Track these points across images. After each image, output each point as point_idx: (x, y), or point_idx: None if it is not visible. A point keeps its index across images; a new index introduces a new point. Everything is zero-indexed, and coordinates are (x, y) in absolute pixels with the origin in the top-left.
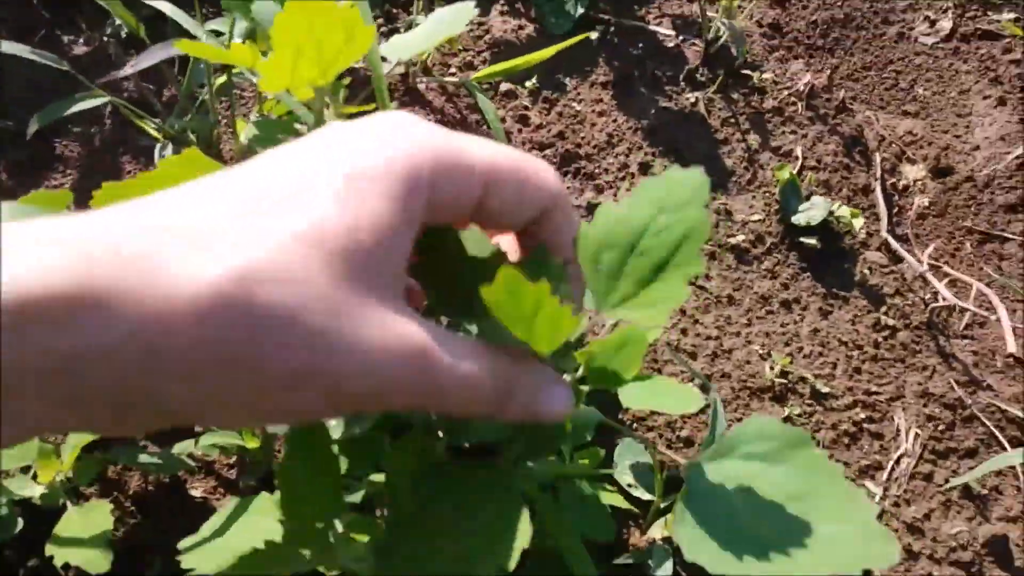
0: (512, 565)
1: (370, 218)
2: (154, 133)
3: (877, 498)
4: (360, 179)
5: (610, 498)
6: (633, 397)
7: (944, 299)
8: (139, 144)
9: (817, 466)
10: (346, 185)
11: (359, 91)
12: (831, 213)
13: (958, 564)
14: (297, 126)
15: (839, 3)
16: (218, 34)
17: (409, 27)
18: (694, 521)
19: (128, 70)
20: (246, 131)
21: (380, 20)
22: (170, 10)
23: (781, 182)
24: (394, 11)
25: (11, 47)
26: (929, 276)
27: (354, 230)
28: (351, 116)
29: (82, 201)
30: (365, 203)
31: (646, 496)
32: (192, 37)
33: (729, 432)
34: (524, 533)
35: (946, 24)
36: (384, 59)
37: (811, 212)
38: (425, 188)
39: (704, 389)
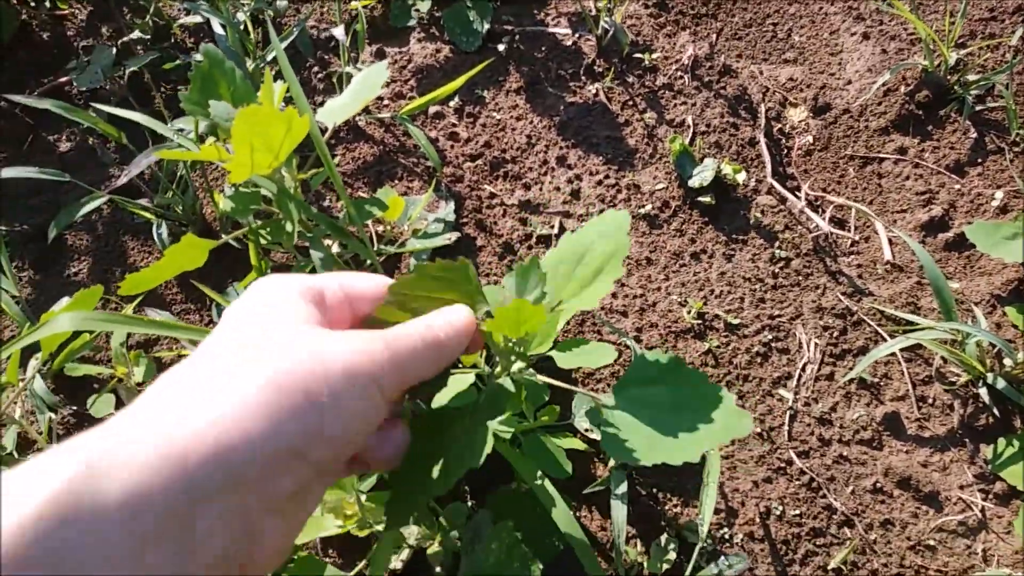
0: (478, 463)
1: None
2: (145, 214)
3: (790, 402)
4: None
5: (570, 443)
6: (564, 359)
7: (819, 228)
8: (135, 223)
9: (690, 378)
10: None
11: (310, 149)
12: (719, 171)
13: (863, 442)
14: (263, 192)
15: None
16: (183, 128)
17: (339, 79)
18: (613, 435)
19: (123, 179)
20: (223, 203)
21: (316, 68)
22: (144, 120)
23: (674, 153)
24: (326, 57)
25: (16, 171)
26: (806, 210)
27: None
28: (304, 181)
29: (98, 279)
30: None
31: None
32: (164, 138)
33: (628, 368)
34: (487, 445)
35: None
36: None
37: (703, 174)
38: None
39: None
